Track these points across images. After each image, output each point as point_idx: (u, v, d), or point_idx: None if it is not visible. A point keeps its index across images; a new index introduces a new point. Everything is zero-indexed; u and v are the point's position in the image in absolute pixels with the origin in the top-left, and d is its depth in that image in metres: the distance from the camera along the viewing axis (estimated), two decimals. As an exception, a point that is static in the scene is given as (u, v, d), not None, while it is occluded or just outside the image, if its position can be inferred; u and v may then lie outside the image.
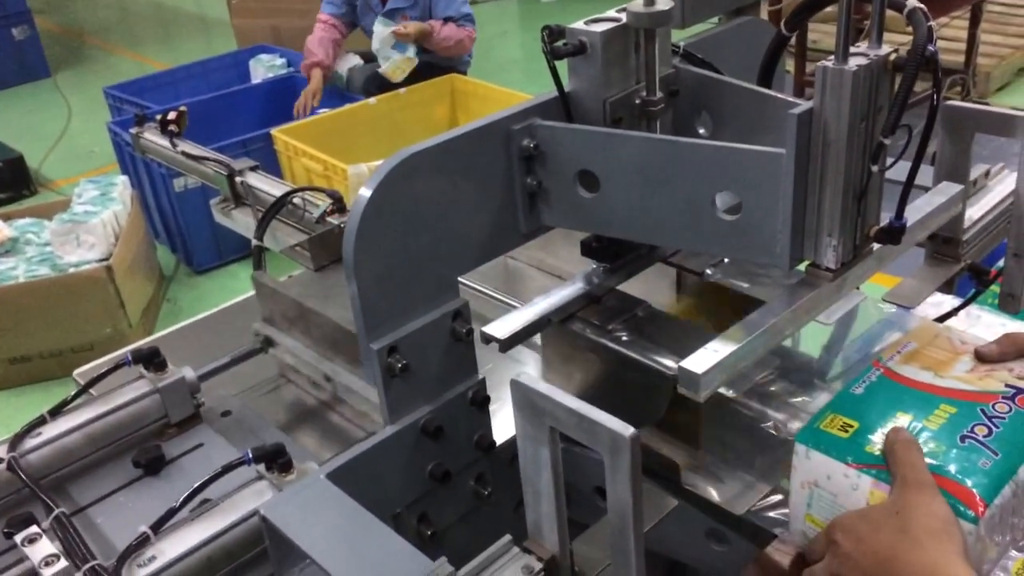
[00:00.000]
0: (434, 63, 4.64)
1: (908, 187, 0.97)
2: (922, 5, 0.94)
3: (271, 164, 3.97)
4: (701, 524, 1.24)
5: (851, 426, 0.98)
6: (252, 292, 1.72)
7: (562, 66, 1.13)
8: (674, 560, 1.30)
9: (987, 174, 1.43)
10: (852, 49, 0.93)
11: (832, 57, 0.92)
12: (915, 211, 1.12)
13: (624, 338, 1.22)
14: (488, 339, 1.15)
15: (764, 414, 1.14)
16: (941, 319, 1.35)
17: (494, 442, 1.20)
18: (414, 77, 4.53)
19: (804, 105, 0.93)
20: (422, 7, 4.57)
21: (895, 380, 1.04)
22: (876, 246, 1.03)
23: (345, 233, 1.01)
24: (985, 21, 5.09)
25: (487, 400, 1.17)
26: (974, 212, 1.38)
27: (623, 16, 1.10)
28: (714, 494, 1.14)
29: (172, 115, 2.34)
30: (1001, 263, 1.40)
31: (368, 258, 1.02)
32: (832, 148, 0.93)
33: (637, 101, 1.14)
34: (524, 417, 0.86)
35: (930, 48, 0.91)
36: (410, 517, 1.15)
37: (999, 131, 1.27)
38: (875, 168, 0.94)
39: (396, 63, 4.52)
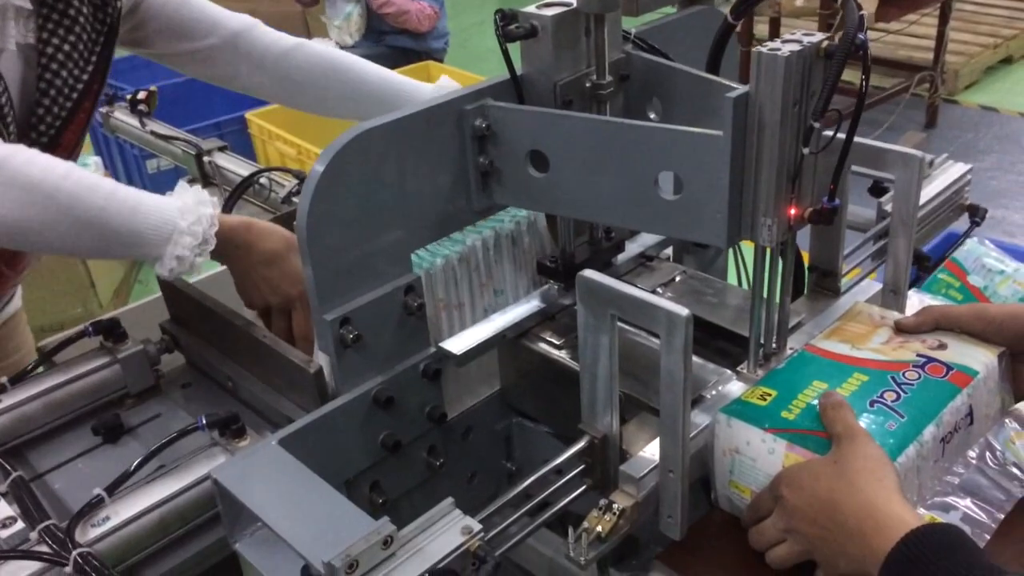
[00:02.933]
0: (409, 48, 4.66)
1: (839, 170, 1.02)
2: (854, -5, 0.97)
3: (246, 148, 3.98)
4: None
5: (769, 395, 1.04)
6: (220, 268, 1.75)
7: (516, 50, 1.17)
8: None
9: (931, 163, 1.48)
10: (787, 36, 0.97)
11: (768, 43, 0.96)
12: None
13: (569, 354, 1.26)
14: (444, 355, 1.20)
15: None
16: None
17: (446, 414, 1.23)
18: (391, 63, 4.54)
19: (740, 89, 0.97)
20: None
21: (814, 353, 1.10)
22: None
23: (299, 207, 1.04)
24: (956, 19, 5.18)
25: (439, 373, 1.20)
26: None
27: (574, 1, 1.13)
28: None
29: (142, 95, 2.37)
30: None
31: (321, 231, 1.05)
32: (767, 131, 0.97)
33: (587, 84, 1.18)
34: (587, 307, 0.96)
35: (860, 36, 0.95)
36: (363, 485, 1.18)
37: (874, 166, 1.23)
38: (806, 150, 0.98)
39: (338, 24, 4.63)
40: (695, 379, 1.20)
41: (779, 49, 0.94)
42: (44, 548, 0.98)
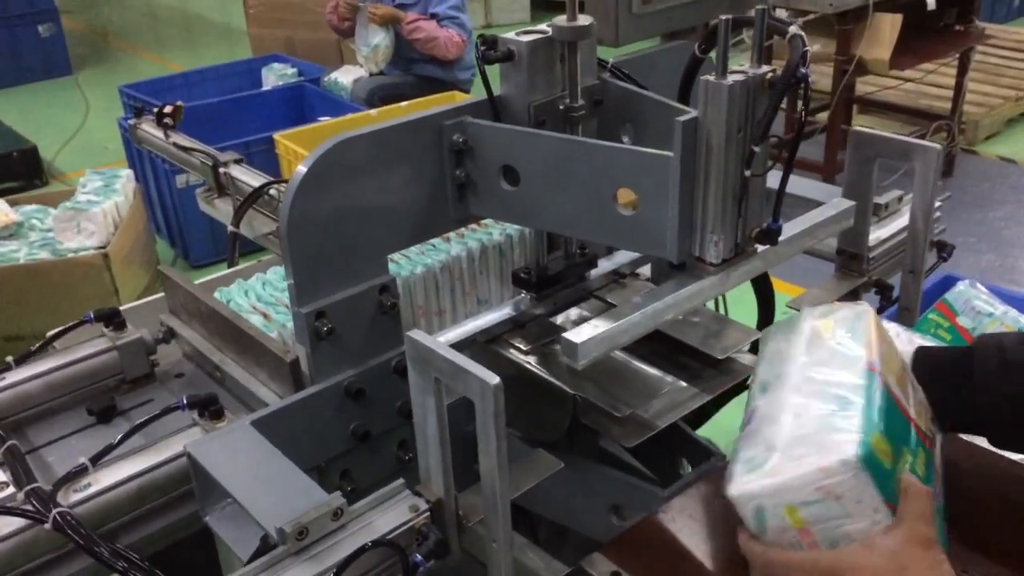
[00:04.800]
0: (435, 78, 4.79)
1: (781, 193, 1.09)
2: (801, 32, 1.05)
3: (272, 166, 4.11)
4: (604, 498, 1.35)
5: (888, 455, 0.93)
6: (224, 272, 1.84)
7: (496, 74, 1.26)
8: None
9: (900, 199, 1.54)
10: (734, 67, 1.04)
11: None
12: (806, 221, 1.23)
13: (535, 360, 1.33)
14: None
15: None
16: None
17: (416, 410, 1.30)
18: (417, 92, 4.68)
19: (690, 113, 1.05)
20: (422, 5, 4.74)
21: (894, 400, 0.99)
22: (760, 248, 1.14)
23: (281, 205, 1.12)
24: (978, 71, 5.22)
25: (410, 371, 1.27)
26: (883, 232, 1.49)
27: (550, 30, 1.22)
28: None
29: (168, 108, 2.48)
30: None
31: (301, 229, 1.13)
32: (713, 153, 1.04)
33: (561, 107, 1.26)
34: (415, 368, 0.97)
35: (801, 70, 1.02)
36: (333, 473, 1.26)
37: (900, 157, 1.38)
38: (748, 173, 1.05)
39: (366, 53, 4.74)
40: (649, 384, 1.27)
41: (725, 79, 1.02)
42: (28, 507, 1.06)
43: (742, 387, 1.49)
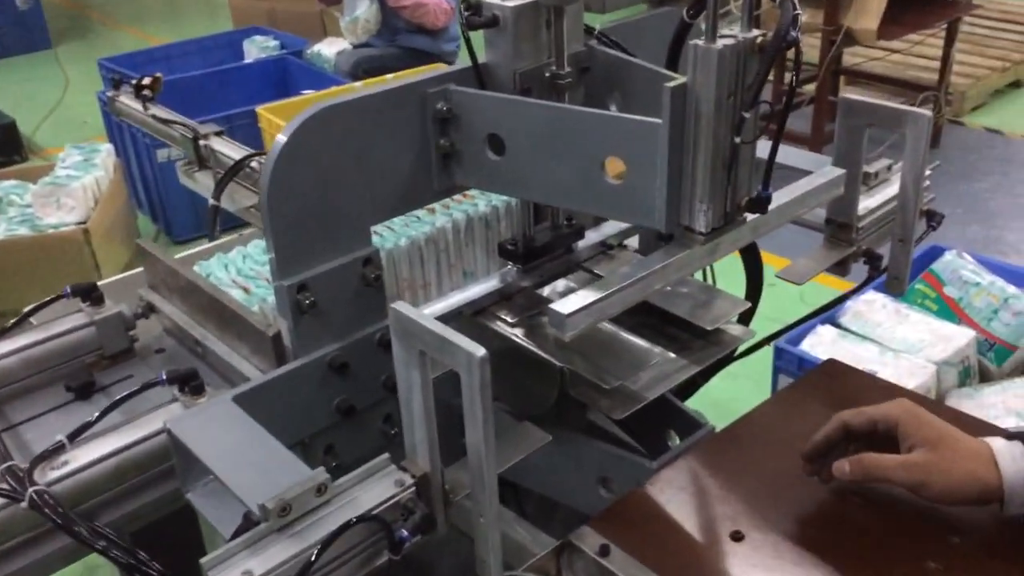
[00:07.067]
0: (420, 49, 4.74)
1: (771, 161, 1.07)
2: (791, -6, 1.02)
3: (256, 141, 4.06)
4: (593, 471, 1.34)
5: None
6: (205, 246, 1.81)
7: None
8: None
9: (889, 168, 1.53)
10: (724, 31, 1.02)
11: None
12: (796, 190, 1.21)
13: (522, 332, 1.31)
14: None
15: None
16: (838, 301, 1.44)
17: (401, 384, 1.28)
18: (402, 64, 4.63)
19: (679, 80, 1.02)
20: None
21: None
22: (750, 216, 1.12)
23: (261, 175, 1.10)
24: (966, 42, 5.21)
25: (396, 344, 1.25)
26: (871, 202, 1.47)
27: (536, -6, 1.19)
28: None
29: (147, 80, 2.43)
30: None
31: (282, 200, 1.11)
32: (703, 120, 1.02)
33: (547, 75, 1.24)
34: (399, 341, 0.95)
35: (792, 33, 1.00)
36: (317, 448, 1.24)
37: (890, 125, 1.36)
38: (738, 139, 1.02)
39: (347, 23, 4.69)
40: (637, 356, 1.25)
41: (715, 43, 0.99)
42: (4, 486, 1.03)
43: (731, 358, 1.48)
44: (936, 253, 2.67)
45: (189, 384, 1.16)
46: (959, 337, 2.38)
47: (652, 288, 1.07)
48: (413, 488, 0.98)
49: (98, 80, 5.44)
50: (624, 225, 1.50)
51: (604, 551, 1.02)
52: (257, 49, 5.43)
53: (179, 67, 5.38)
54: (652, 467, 1.25)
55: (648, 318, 1.35)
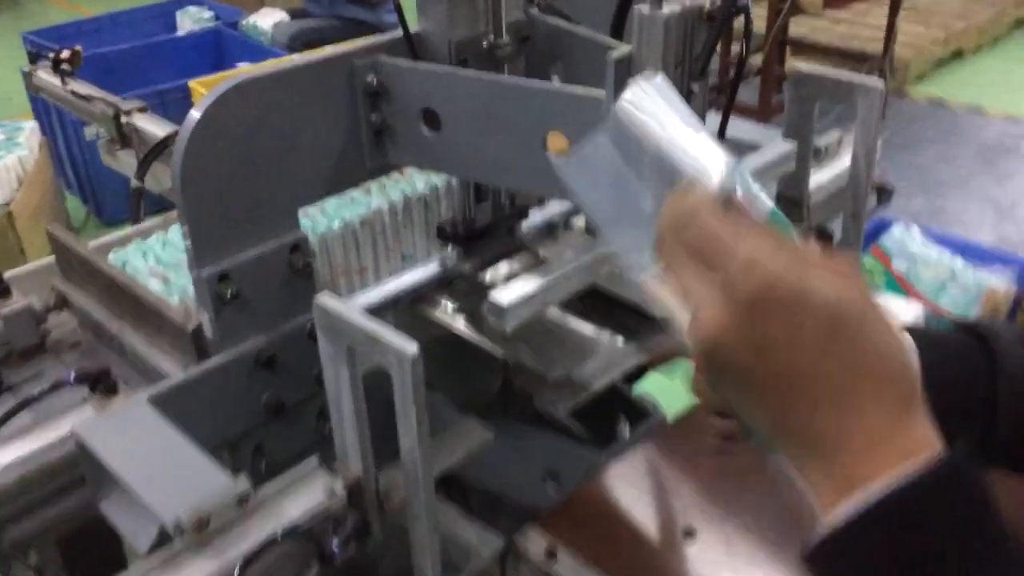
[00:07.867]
0: (360, 20, 4.60)
1: (722, 135, 1.01)
2: (742, -41, 0.96)
3: (189, 117, 3.92)
4: (540, 464, 1.28)
5: None
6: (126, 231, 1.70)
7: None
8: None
9: (839, 141, 1.48)
10: (672, -2, 0.95)
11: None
12: (747, 166, 1.16)
13: (464, 319, 1.24)
14: None
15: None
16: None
17: (335, 377, 1.21)
18: (341, 35, 4.49)
19: (623, 49, 0.96)
20: None
21: None
22: (700, 194, 1.06)
23: (173, 154, 1.00)
24: (909, 11, 5.22)
25: (328, 335, 1.18)
26: (822, 176, 1.43)
27: (471, -42, 1.11)
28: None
29: (66, 54, 2.30)
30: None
31: (197, 181, 1.02)
32: (649, 92, 0.95)
33: (484, 45, 1.16)
34: (325, 337, 0.87)
35: (742, 0, 0.94)
36: (245, 448, 1.16)
37: (841, 97, 1.31)
38: (687, 113, 0.96)
39: None
40: (584, 344, 1.19)
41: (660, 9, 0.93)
42: None
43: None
44: (882, 226, 2.65)
45: (101, 383, 1.07)
46: (908, 311, 2.37)
47: (598, 272, 1.01)
48: (344, 495, 0.91)
49: (23, 55, 5.19)
50: (569, 204, 1.43)
51: (551, 554, 0.96)
52: (191, 21, 5.24)
53: (109, 39, 5.16)
54: (601, 458, 1.20)
55: (597, 302, 1.29)
